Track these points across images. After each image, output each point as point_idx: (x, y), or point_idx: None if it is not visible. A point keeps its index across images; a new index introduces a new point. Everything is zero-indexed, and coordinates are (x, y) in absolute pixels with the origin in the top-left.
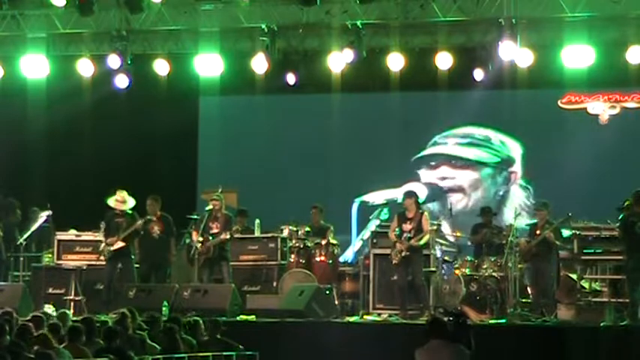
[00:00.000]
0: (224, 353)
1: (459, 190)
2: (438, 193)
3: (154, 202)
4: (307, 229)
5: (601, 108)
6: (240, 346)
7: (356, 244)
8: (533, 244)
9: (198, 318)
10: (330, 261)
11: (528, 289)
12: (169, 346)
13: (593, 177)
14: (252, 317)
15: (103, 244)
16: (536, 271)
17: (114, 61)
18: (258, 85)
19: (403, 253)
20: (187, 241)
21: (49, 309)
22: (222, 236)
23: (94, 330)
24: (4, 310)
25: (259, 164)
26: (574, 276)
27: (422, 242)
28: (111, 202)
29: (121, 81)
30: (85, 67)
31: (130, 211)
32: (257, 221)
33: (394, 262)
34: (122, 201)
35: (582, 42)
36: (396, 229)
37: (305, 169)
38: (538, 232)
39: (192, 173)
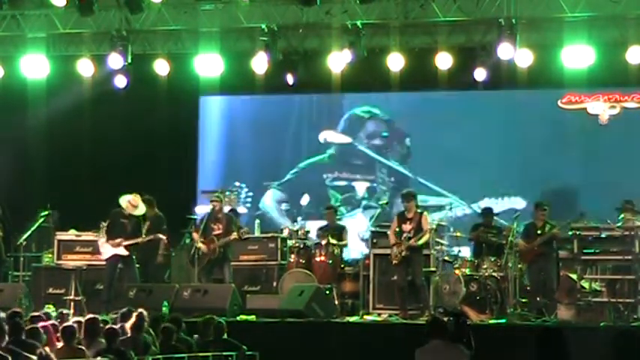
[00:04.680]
0: (224, 353)
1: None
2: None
3: (149, 204)
4: (319, 228)
5: (601, 108)
6: (244, 347)
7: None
8: (536, 244)
9: (211, 317)
10: (330, 261)
11: (529, 289)
12: (165, 346)
13: (593, 177)
14: (252, 317)
15: (102, 240)
16: (541, 270)
17: (114, 61)
18: (258, 85)
19: (403, 253)
20: (187, 241)
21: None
22: (232, 237)
23: (97, 330)
24: (14, 310)
25: (259, 164)
26: (574, 276)
27: (421, 242)
28: (123, 202)
29: (121, 81)
30: (85, 67)
31: (136, 215)
32: (257, 221)
33: (394, 262)
34: (135, 205)
35: (582, 42)
36: (396, 230)
37: (304, 169)
38: (539, 232)
39: (192, 173)
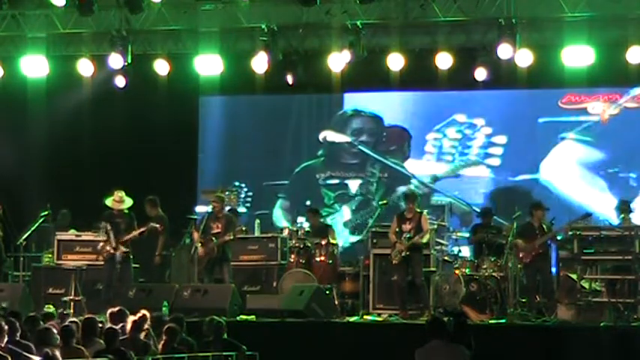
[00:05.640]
0: (224, 353)
1: None
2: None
3: (153, 204)
4: (307, 229)
5: (601, 108)
6: (244, 347)
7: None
8: (538, 243)
9: (218, 318)
10: (330, 261)
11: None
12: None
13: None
14: (252, 317)
15: (102, 244)
16: (539, 271)
17: (115, 61)
18: (258, 85)
19: (403, 253)
20: (187, 241)
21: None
22: (226, 237)
23: (94, 330)
24: (12, 310)
25: (259, 164)
26: (574, 276)
27: (424, 240)
28: (109, 202)
29: (121, 81)
30: (85, 67)
31: (127, 211)
32: (257, 221)
33: (394, 262)
34: (120, 201)
35: (582, 42)
36: (396, 230)
37: (301, 172)
38: (537, 232)
39: (192, 173)
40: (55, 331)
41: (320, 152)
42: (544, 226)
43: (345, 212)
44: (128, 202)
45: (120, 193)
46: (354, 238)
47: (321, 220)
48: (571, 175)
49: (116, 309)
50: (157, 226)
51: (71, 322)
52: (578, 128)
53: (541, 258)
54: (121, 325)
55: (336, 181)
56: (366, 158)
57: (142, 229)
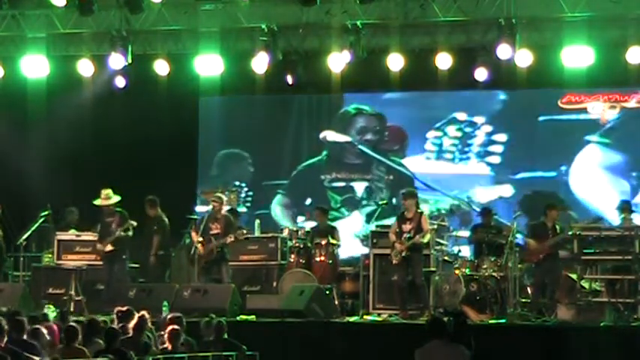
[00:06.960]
0: (224, 353)
1: None
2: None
3: (152, 204)
4: (308, 229)
5: (601, 108)
6: (244, 347)
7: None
8: (550, 244)
9: (218, 318)
10: (330, 261)
11: (528, 289)
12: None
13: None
14: (252, 317)
15: (98, 245)
16: (548, 271)
17: (115, 61)
18: (258, 85)
19: (403, 253)
20: (187, 241)
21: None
22: (227, 239)
23: (95, 330)
24: (14, 310)
25: (259, 164)
26: (574, 276)
27: (424, 239)
28: (97, 202)
29: (121, 81)
30: (85, 67)
31: (119, 209)
32: (257, 221)
33: (394, 262)
34: (106, 198)
35: (582, 42)
36: (396, 231)
37: (303, 171)
38: (550, 232)
39: (192, 173)
40: (45, 331)
41: (325, 152)
42: (557, 227)
43: (357, 221)
44: (115, 198)
45: (106, 191)
46: (365, 250)
47: (328, 221)
48: (596, 179)
49: (124, 308)
50: (134, 223)
51: (73, 322)
52: (600, 131)
53: (551, 259)
54: (121, 325)
55: (342, 183)
56: (370, 158)
57: (122, 228)
